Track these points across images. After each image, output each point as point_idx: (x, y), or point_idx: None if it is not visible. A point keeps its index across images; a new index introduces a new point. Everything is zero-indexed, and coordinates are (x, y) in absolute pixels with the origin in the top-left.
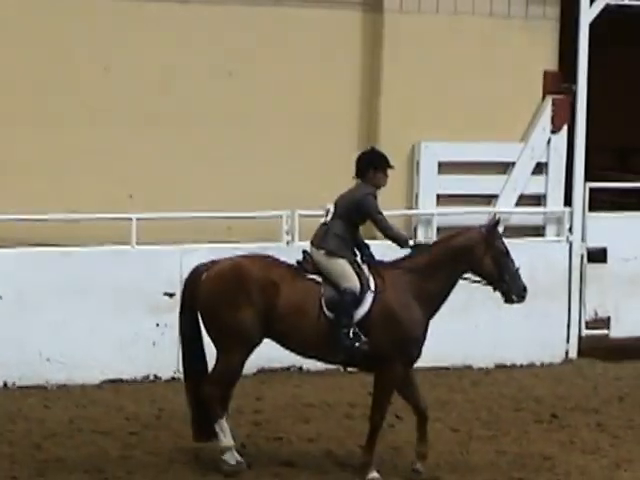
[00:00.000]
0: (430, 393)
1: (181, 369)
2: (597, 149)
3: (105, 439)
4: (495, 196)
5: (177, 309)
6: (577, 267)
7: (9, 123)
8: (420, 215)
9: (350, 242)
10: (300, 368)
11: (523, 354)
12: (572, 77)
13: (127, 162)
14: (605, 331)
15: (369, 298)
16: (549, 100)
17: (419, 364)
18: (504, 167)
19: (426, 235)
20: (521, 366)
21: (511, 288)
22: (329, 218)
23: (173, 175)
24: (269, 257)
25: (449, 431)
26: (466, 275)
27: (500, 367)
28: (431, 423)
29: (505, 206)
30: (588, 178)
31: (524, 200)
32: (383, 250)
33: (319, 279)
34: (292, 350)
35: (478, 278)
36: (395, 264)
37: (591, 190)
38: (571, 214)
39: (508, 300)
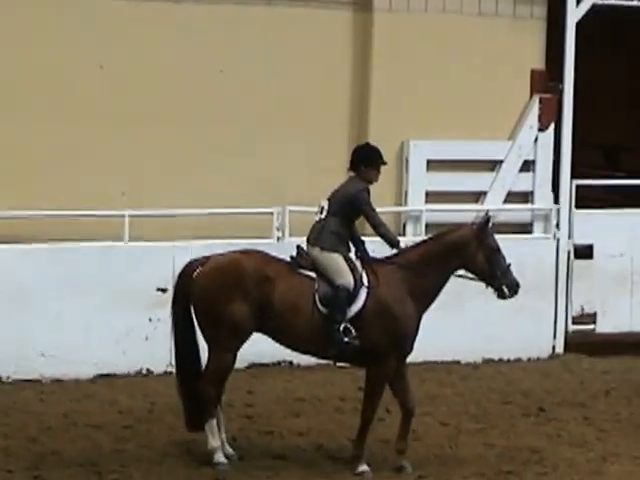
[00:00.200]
0: (420, 387)
1: (174, 363)
2: (585, 147)
3: (99, 433)
4: (483, 193)
5: (170, 304)
6: (564, 263)
7: (1, 122)
8: (409, 212)
9: (346, 238)
10: (291, 363)
11: (511, 349)
12: (559, 76)
13: (120, 160)
14: (592, 326)
15: (363, 294)
16: (536, 98)
17: (409, 359)
18: (492, 165)
19: (415, 232)
20: (509, 361)
21: (503, 284)
22: (323, 215)
23: (165, 173)
24: (263, 252)
25: (438, 425)
26: (459, 271)
27: (488, 362)
28: (421, 417)
29: (493, 203)
30: (576, 176)
31: (512, 197)
32: (377, 247)
33: (313, 275)
34: (285, 345)
35: (470, 274)
36: (388, 260)
37: (578, 187)
38: (558, 211)
39: (500, 296)
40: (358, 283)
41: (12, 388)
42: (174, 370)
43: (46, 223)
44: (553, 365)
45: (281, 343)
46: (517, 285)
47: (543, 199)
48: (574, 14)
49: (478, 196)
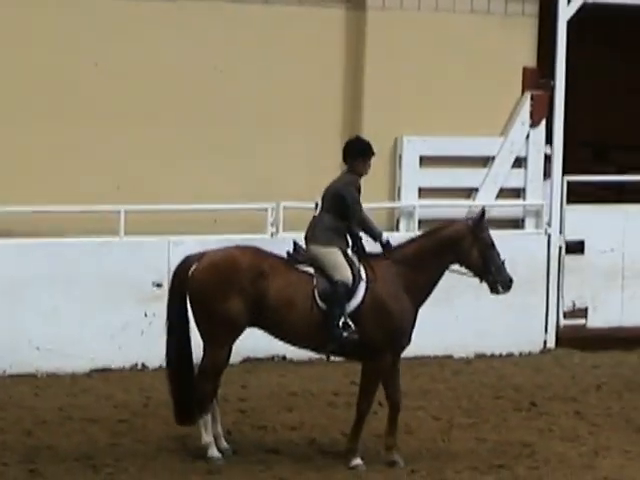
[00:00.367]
0: (412, 382)
1: (165, 358)
2: (577, 144)
3: (94, 427)
4: (476, 189)
5: (165, 299)
6: (555, 259)
7: None
8: (402, 208)
9: (342, 232)
10: (284, 358)
11: (503, 344)
12: (550, 73)
13: (115, 155)
14: (583, 321)
15: (362, 289)
16: (528, 95)
17: (402, 353)
18: (484, 161)
19: (408, 227)
20: (500, 356)
21: (497, 279)
22: (317, 212)
23: (160, 168)
24: (259, 248)
25: (431, 419)
26: (453, 267)
27: (480, 357)
28: (413, 411)
29: (485, 199)
30: (567, 172)
31: (504, 193)
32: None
33: (311, 270)
34: (283, 340)
35: (465, 269)
36: (384, 255)
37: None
38: (549, 207)
39: (494, 291)
40: (357, 278)
41: (7, 382)
42: (165, 365)
43: (41, 218)
44: (544, 360)
45: (279, 338)
46: (510, 281)
47: (534, 195)
48: (565, 12)
49: (470, 192)
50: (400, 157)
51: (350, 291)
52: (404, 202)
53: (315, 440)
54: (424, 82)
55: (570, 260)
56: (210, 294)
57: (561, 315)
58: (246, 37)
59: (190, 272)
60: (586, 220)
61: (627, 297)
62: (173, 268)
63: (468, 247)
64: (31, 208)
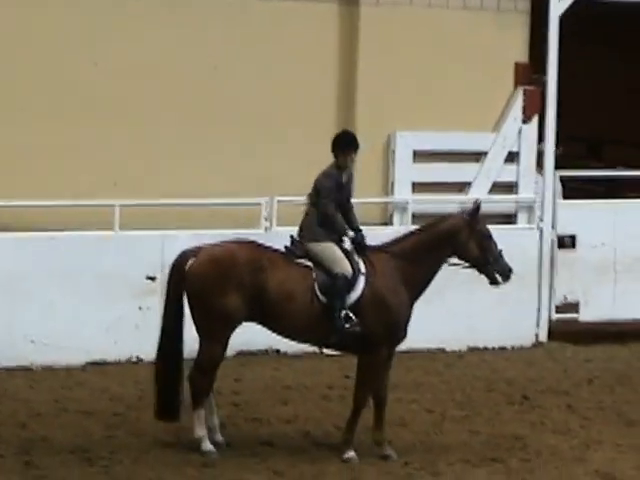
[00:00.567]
0: (406, 375)
1: (156, 351)
2: (569, 139)
3: (89, 419)
4: (468, 184)
5: (159, 292)
6: (547, 253)
7: None
8: (396, 202)
9: (330, 224)
10: (278, 351)
11: (495, 338)
12: (542, 69)
13: (111, 151)
14: (574, 315)
15: (361, 283)
16: (520, 91)
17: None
18: (477, 156)
19: (402, 222)
20: (493, 349)
21: (495, 270)
22: (307, 207)
23: (156, 163)
24: (257, 243)
25: (424, 412)
26: (451, 260)
27: (473, 350)
28: (407, 404)
29: (478, 194)
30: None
31: (496, 188)
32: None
33: (310, 264)
34: (282, 334)
35: (463, 262)
36: (382, 249)
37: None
38: (542, 202)
39: (493, 282)
40: (356, 270)
41: (3, 375)
42: (155, 358)
43: (37, 212)
44: (537, 354)
45: (278, 332)
46: (510, 270)
47: (526, 190)
48: (557, 7)
49: (463, 187)
50: (393, 152)
51: (350, 284)
52: (397, 197)
53: (309, 433)
54: (417, 78)
55: (562, 254)
56: (208, 289)
57: (553, 309)
58: (242, 34)
59: (187, 267)
60: (578, 215)
61: (619, 291)
62: (168, 263)
63: (465, 239)
64: (27, 202)
